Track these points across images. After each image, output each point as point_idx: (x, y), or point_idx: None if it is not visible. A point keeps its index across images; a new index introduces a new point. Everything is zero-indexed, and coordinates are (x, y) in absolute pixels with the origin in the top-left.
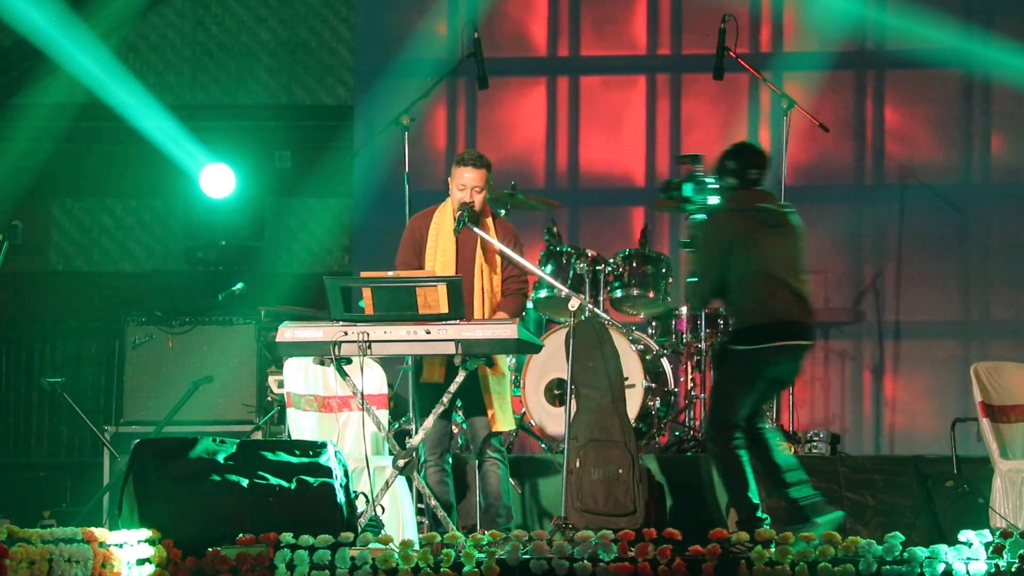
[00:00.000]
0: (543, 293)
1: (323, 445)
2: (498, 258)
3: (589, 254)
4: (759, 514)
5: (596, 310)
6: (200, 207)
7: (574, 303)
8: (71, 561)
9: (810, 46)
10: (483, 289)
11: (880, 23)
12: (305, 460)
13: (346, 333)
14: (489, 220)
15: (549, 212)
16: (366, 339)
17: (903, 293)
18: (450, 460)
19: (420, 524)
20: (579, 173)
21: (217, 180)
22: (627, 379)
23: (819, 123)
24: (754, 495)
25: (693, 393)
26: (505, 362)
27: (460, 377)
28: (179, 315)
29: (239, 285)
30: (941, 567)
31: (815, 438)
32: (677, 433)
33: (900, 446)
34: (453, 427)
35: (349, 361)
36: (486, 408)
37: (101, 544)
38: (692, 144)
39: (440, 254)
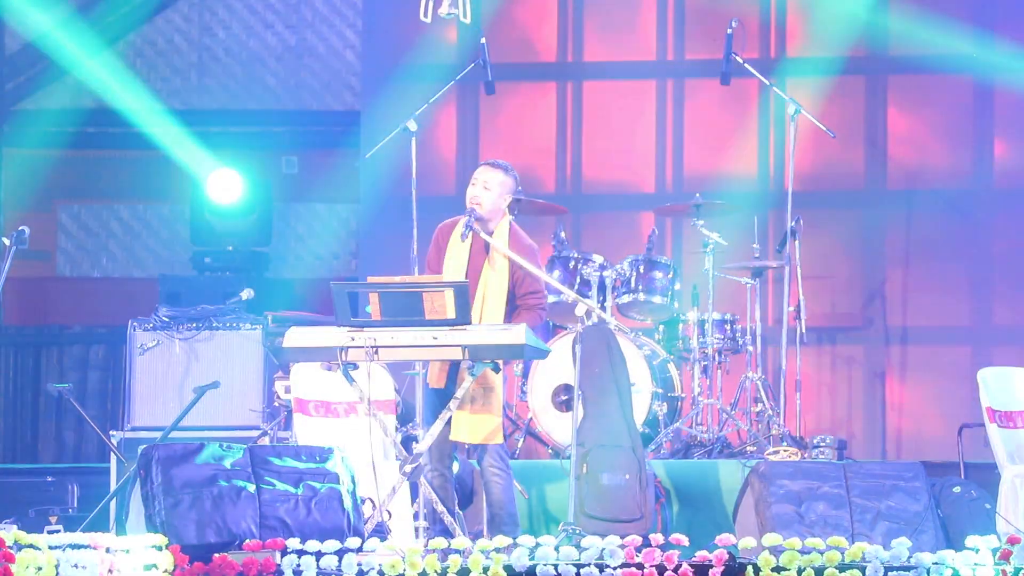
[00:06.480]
0: (550, 299)
1: (330, 451)
2: (508, 265)
3: (596, 259)
4: None
5: (603, 315)
6: (207, 212)
7: (581, 308)
8: (78, 567)
9: (817, 51)
10: (484, 295)
11: (886, 28)
12: (312, 466)
13: (353, 338)
14: (504, 228)
15: (557, 218)
16: (373, 344)
17: (910, 298)
18: (454, 466)
19: (425, 530)
20: (583, 179)
21: (224, 185)
22: (634, 384)
23: (826, 129)
24: None
25: (700, 398)
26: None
27: (467, 382)
28: (186, 320)
29: (246, 291)
30: (948, 573)
31: (822, 443)
32: (684, 439)
33: (907, 452)
34: None
35: (356, 366)
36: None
37: (108, 550)
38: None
39: (452, 260)
